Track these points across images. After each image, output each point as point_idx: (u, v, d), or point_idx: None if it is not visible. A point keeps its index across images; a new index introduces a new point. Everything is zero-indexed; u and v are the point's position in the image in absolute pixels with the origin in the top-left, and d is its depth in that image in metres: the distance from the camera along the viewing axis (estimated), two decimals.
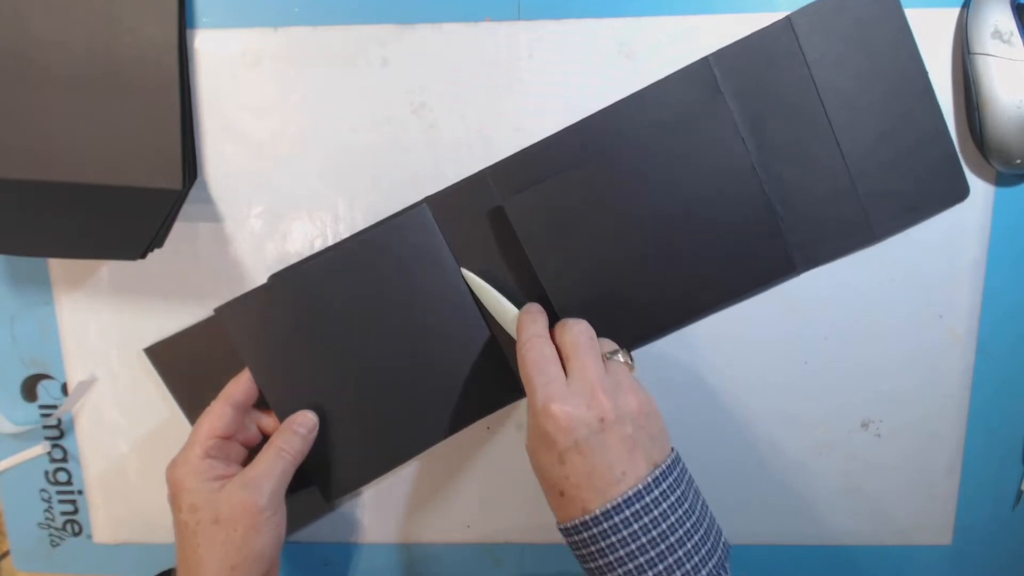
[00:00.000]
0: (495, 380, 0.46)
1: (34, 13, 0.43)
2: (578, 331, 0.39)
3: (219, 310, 0.45)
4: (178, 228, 0.47)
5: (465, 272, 0.45)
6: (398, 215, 0.46)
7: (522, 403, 0.48)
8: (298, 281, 0.45)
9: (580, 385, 0.37)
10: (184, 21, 0.44)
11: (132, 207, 0.44)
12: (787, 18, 0.43)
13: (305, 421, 0.44)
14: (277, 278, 0.46)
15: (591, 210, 0.44)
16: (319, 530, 0.51)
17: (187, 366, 0.48)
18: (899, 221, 0.45)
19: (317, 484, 0.46)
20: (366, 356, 0.45)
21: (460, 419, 0.47)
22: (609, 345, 0.41)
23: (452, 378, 0.46)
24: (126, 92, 0.43)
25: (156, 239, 0.45)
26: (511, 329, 0.43)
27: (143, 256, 0.45)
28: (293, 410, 0.45)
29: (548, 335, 0.40)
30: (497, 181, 0.45)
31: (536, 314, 0.42)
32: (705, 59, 0.44)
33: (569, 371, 0.38)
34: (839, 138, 0.44)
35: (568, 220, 0.44)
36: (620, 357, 0.40)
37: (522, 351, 0.39)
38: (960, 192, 0.45)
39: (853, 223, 0.45)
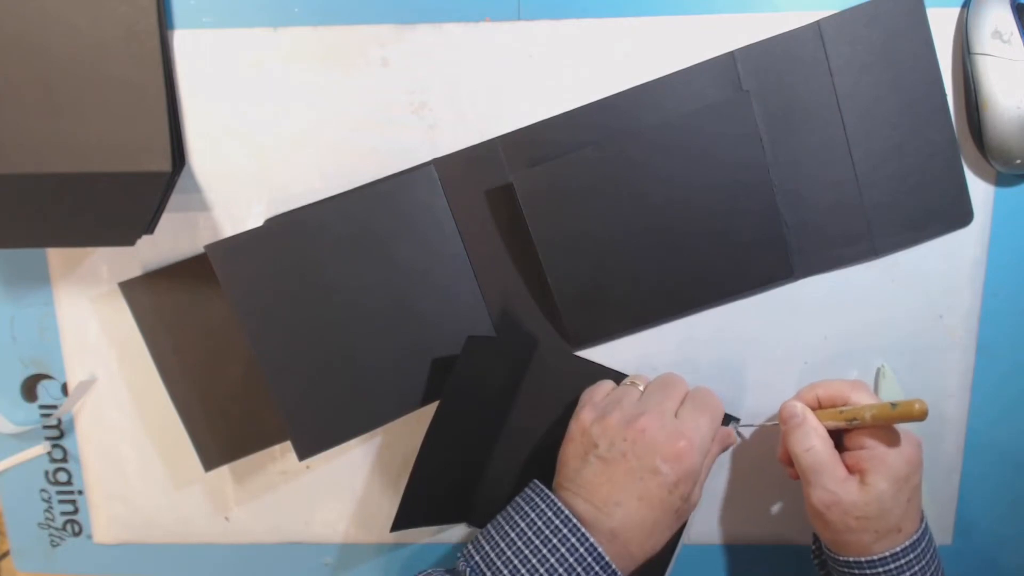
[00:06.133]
0: None
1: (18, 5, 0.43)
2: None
3: (209, 247, 0.43)
4: (180, 230, 0.47)
5: (885, 366, 0.47)
6: (404, 173, 0.46)
7: None
8: (294, 227, 0.44)
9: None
10: (163, 9, 0.44)
11: (125, 192, 0.44)
12: (816, 24, 0.43)
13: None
14: (273, 222, 0.46)
15: (599, 193, 0.44)
16: (319, 530, 0.51)
17: (161, 306, 0.47)
18: (901, 238, 0.45)
19: (292, 439, 0.45)
20: (354, 311, 0.45)
21: (441, 387, 0.46)
22: None
23: (438, 343, 0.46)
24: (111, 80, 0.43)
25: (149, 225, 0.45)
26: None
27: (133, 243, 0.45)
28: (276, 358, 0.44)
29: None
30: (507, 151, 0.45)
31: None
32: (730, 54, 0.44)
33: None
34: (852, 148, 0.44)
35: (574, 201, 0.44)
36: None
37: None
38: (963, 217, 0.45)
39: (856, 235, 0.45)
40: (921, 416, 0.38)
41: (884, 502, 0.39)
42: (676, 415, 0.41)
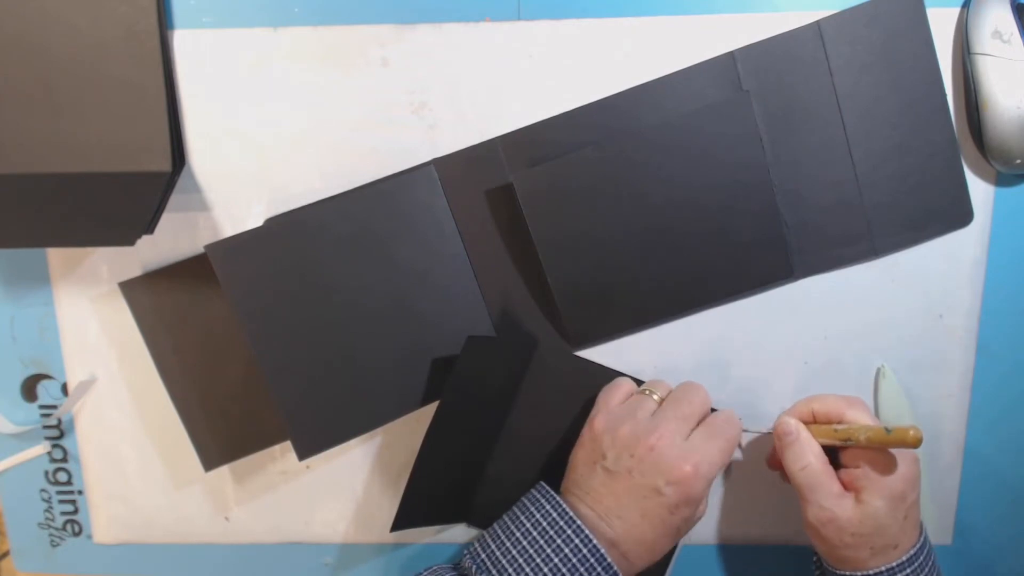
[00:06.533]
0: None
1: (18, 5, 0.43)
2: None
3: (209, 247, 0.43)
4: (180, 230, 0.47)
5: (884, 366, 0.46)
6: (404, 173, 0.46)
7: None
8: (294, 227, 0.44)
9: None
10: (163, 9, 0.44)
11: (125, 192, 0.44)
12: (816, 24, 0.43)
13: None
14: (273, 222, 0.46)
15: (599, 193, 0.44)
16: (319, 530, 0.51)
17: (161, 306, 0.47)
18: (901, 238, 0.45)
19: (292, 439, 0.45)
20: (354, 311, 0.45)
21: (441, 387, 0.46)
22: None
23: (438, 343, 0.46)
24: (111, 80, 0.43)
25: (149, 225, 0.45)
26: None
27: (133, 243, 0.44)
28: (276, 358, 0.44)
29: None
30: (507, 151, 0.45)
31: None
32: (730, 54, 0.44)
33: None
34: (852, 148, 0.44)
35: (574, 201, 0.44)
36: None
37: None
38: (963, 217, 0.45)
39: (856, 235, 0.45)
40: (915, 443, 0.37)
41: (880, 520, 0.39)
42: (689, 437, 0.41)
